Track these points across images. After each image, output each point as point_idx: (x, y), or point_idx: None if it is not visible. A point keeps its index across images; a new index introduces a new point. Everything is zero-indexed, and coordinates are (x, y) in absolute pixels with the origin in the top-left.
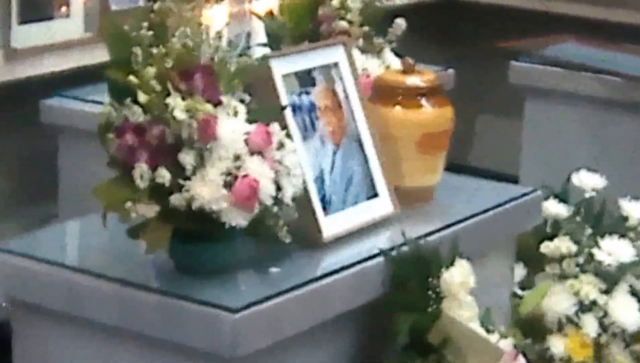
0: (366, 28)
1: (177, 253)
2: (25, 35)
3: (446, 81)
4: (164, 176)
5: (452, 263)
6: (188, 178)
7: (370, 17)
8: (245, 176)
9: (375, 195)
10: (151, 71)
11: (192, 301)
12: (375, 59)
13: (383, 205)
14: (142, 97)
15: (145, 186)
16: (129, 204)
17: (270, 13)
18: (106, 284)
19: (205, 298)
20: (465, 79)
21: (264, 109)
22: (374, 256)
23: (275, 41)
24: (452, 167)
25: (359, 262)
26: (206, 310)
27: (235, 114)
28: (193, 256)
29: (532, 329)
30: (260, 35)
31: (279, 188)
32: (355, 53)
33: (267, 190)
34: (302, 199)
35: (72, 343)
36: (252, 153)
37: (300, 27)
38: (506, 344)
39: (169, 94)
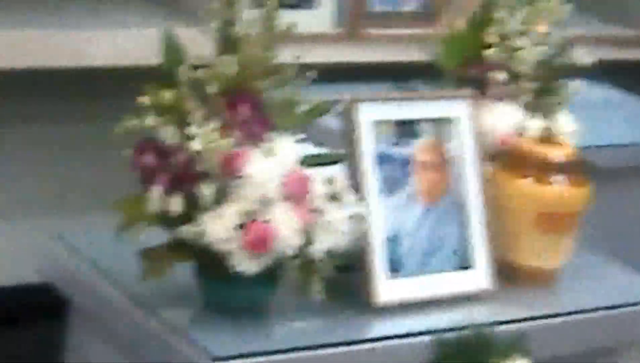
0: (535, 84)
1: (198, 286)
2: None
3: None
4: (176, 204)
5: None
6: (207, 210)
7: (547, 73)
8: (265, 221)
9: (468, 267)
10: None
11: (181, 339)
12: (539, 120)
13: (475, 279)
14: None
15: (156, 211)
16: (141, 224)
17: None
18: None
19: (196, 339)
20: None
21: (320, 155)
22: (421, 333)
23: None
24: None
25: (398, 336)
26: (189, 351)
27: (271, 153)
28: (209, 292)
29: None
30: None
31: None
32: (515, 110)
33: (287, 240)
34: (364, 258)
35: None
36: (286, 198)
37: (463, 68)
38: None
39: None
